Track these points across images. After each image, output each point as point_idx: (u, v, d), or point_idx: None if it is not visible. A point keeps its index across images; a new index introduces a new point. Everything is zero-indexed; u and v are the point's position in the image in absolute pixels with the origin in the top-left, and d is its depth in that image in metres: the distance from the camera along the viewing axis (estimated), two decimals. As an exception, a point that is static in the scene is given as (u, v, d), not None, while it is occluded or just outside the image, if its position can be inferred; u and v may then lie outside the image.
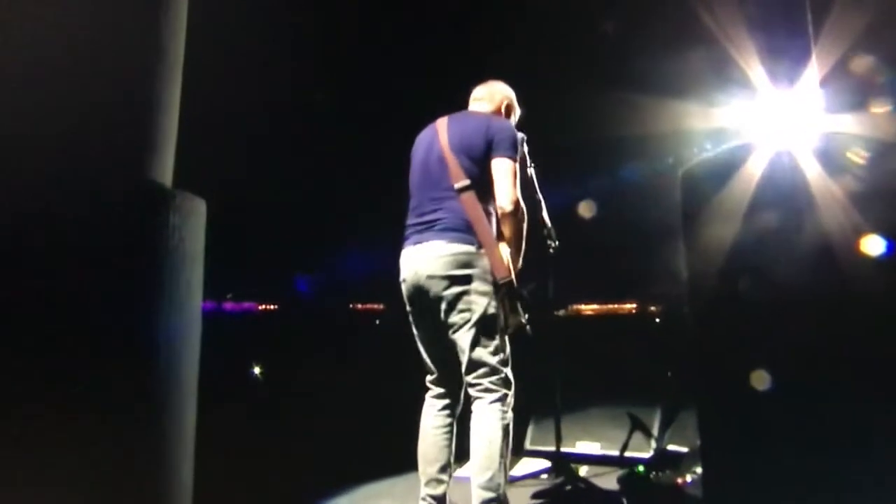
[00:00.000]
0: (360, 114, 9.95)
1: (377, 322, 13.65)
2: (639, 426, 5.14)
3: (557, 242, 4.00)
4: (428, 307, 3.26)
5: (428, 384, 3.44)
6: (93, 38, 1.98)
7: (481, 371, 3.19)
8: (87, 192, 1.90)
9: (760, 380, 3.03)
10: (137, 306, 1.99)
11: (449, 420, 3.33)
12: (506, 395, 3.15)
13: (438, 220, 3.34)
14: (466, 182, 3.29)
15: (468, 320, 3.24)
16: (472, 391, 3.25)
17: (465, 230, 3.26)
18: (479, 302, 3.20)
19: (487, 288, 3.22)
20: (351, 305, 14.73)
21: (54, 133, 1.92)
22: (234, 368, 9.03)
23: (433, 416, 3.35)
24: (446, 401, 3.37)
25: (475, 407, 3.22)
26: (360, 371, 8.55)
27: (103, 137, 2.01)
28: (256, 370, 9.85)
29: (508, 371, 3.24)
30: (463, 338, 3.21)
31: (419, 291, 3.29)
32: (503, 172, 3.22)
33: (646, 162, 9.85)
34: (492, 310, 3.19)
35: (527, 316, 3.20)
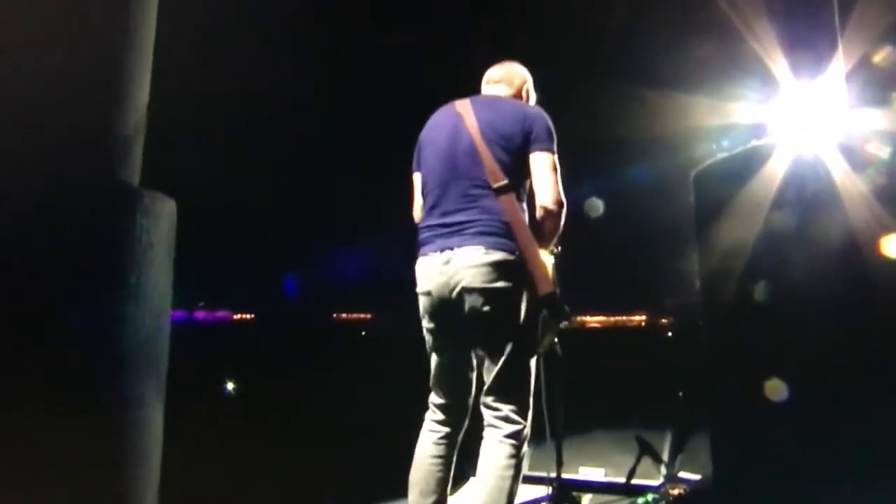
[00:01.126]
0: (350, 111, 9.96)
1: (363, 333, 13.63)
2: (647, 451, 5.14)
3: (560, 247, 3.95)
4: (457, 325, 3.06)
5: (431, 406, 3.28)
6: (60, 31, 1.99)
7: (505, 395, 3.05)
8: (44, 191, 1.90)
9: (779, 395, 3.04)
10: (101, 316, 2.00)
11: (449, 451, 3.17)
12: (523, 430, 2.99)
13: (471, 221, 3.14)
14: (505, 180, 3.11)
15: (508, 338, 3.09)
16: (487, 415, 3.08)
17: (504, 235, 3.06)
18: (518, 316, 3.06)
19: (529, 301, 3.07)
20: (334, 315, 14.71)
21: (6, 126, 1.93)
22: (205, 384, 9.00)
23: (432, 445, 3.19)
24: (448, 429, 3.19)
25: (488, 436, 3.05)
26: (344, 387, 8.54)
27: (65, 133, 2.02)
28: (230, 386, 9.83)
29: (529, 401, 3.08)
30: (496, 356, 3.06)
31: (447, 306, 3.08)
32: (546, 168, 3.03)
33: (657, 161, 9.89)
34: (530, 326, 3.04)
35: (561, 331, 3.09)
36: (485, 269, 2.94)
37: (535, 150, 3.03)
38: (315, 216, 12.29)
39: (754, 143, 3.50)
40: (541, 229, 3.00)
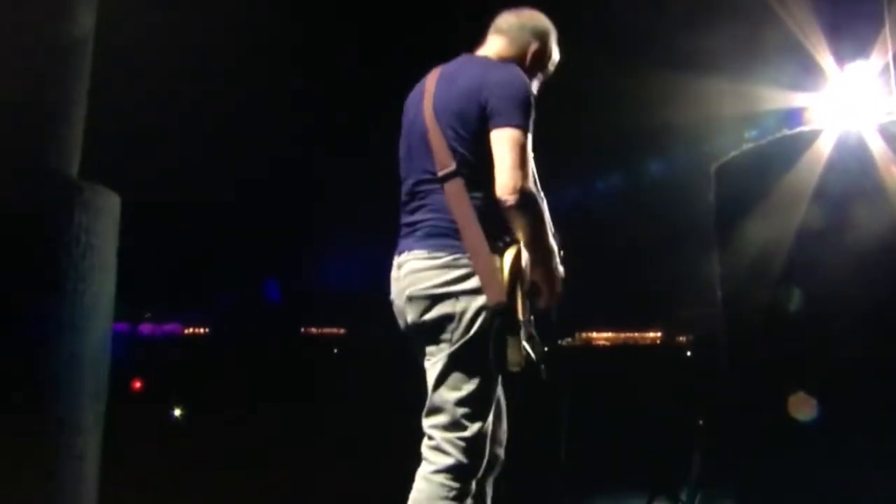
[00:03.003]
0: (322, 105, 10.03)
1: (335, 351, 13.57)
2: (662, 489, 5.15)
3: (563, 253, 3.90)
4: (416, 338, 3.09)
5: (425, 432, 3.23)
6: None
7: (438, 419, 2.99)
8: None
9: (804, 412, 3.05)
10: (32, 328, 1.98)
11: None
12: (461, 466, 2.85)
13: (421, 222, 3.11)
14: (451, 167, 3.04)
15: (445, 352, 3.05)
16: (423, 445, 3.06)
17: (452, 234, 3.04)
18: (462, 328, 3.00)
19: (478, 311, 3.00)
20: (303, 330, 14.63)
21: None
22: (149, 409, 8.96)
23: (424, 482, 3.16)
24: None
25: (419, 471, 3.03)
26: (311, 414, 8.52)
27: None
28: (177, 412, 9.78)
29: (477, 432, 2.97)
30: (431, 371, 3.05)
31: (402, 316, 3.12)
32: (503, 148, 2.84)
33: (673, 154, 9.94)
34: (480, 342, 2.98)
35: (536, 351, 2.98)
36: (425, 275, 2.93)
37: (492, 128, 2.89)
38: (283, 219, 12.28)
39: (785, 132, 3.52)
40: (511, 227, 2.94)
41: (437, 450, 2.88)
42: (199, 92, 8.84)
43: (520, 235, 2.91)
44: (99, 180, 2.24)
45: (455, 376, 2.88)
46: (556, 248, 3.08)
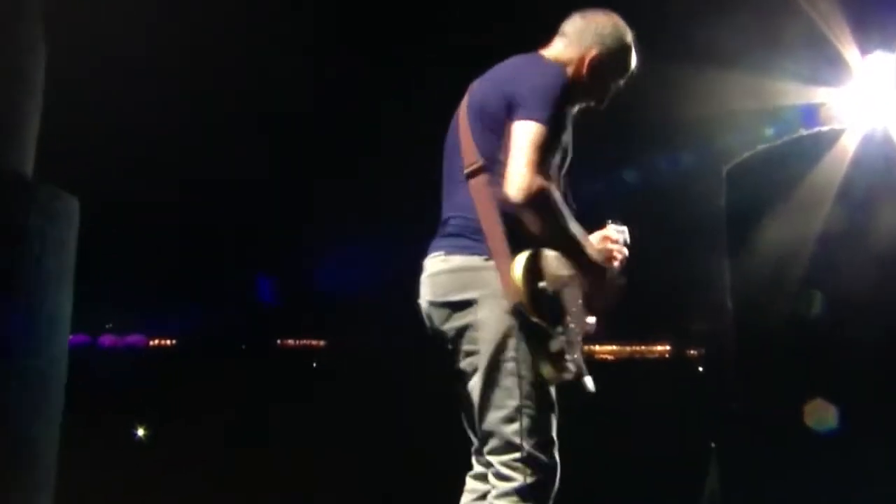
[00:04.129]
0: (302, 101, 10.12)
1: (314, 365, 13.52)
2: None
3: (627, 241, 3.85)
4: (444, 348, 3.09)
5: (472, 460, 3.24)
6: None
7: (491, 445, 3.00)
8: None
9: (822, 422, 3.06)
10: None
11: None
12: (529, 488, 2.85)
13: (446, 221, 3.17)
14: (477, 162, 3.06)
15: (475, 368, 3.04)
16: (489, 475, 3.05)
17: (471, 233, 3.04)
18: (488, 339, 2.98)
19: (502, 318, 2.98)
20: (278, 341, 14.59)
21: None
22: (110, 427, 8.94)
23: None
24: (487, 486, 3.15)
25: (489, 495, 3.03)
26: (287, 434, 8.51)
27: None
28: (140, 431, 9.76)
29: (534, 447, 2.96)
30: (473, 394, 3.04)
31: (427, 324, 3.14)
32: (518, 142, 2.80)
33: (683, 153, 9.97)
34: (510, 352, 2.96)
35: (573, 360, 2.91)
36: (441, 279, 2.95)
37: (514, 118, 2.90)
38: (256, 222, 12.28)
39: (802, 132, 3.55)
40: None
41: (499, 476, 2.89)
42: (160, 90, 8.99)
43: (535, 233, 2.90)
44: (56, 182, 2.24)
45: (497, 394, 2.86)
46: (582, 242, 3.04)
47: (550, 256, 2.90)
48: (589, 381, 2.94)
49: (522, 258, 2.81)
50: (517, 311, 2.75)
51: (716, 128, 8.38)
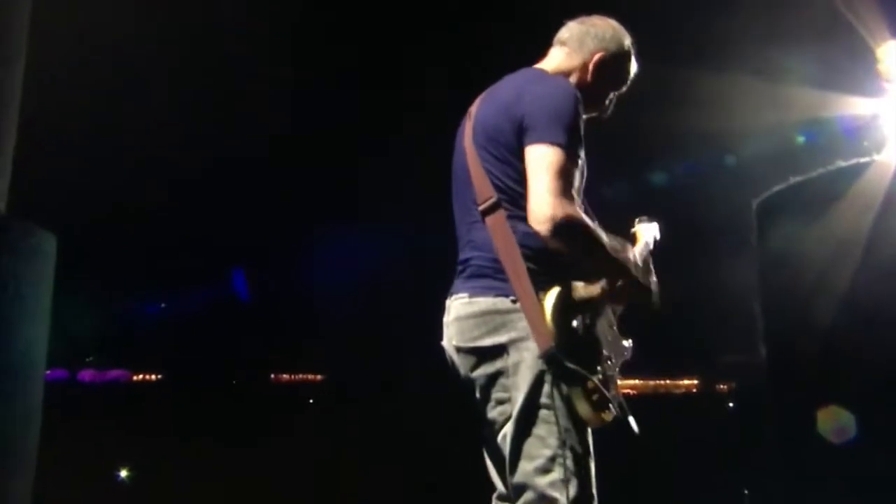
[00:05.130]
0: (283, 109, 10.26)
1: (311, 402, 13.48)
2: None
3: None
4: (473, 393, 3.06)
5: None
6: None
7: (525, 499, 2.96)
8: None
9: (839, 433, 3.03)
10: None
11: None
12: None
13: (467, 261, 3.13)
14: (492, 197, 3.02)
15: (507, 416, 3.00)
16: None
17: (495, 274, 3.01)
18: (521, 385, 2.94)
19: (535, 363, 2.93)
20: (272, 376, 14.55)
21: None
22: (91, 468, 8.92)
23: None
24: None
25: None
26: (283, 476, 8.48)
27: None
28: (123, 473, 9.72)
29: (572, 501, 2.90)
30: (504, 444, 3.00)
31: (453, 369, 3.11)
32: (536, 169, 2.76)
33: (716, 172, 9.96)
34: (544, 398, 2.91)
35: (612, 398, 2.86)
36: (467, 324, 2.92)
37: (527, 144, 2.87)
38: (245, 243, 12.31)
39: (840, 163, 3.53)
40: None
41: None
42: (133, 118, 9.39)
43: (577, 265, 2.86)
44: (32, 218, 2.23)
45: (530, 443, 2.82)
46: (626, 263, 2.99)
47: (579, 288, 2.88)
48: (633, 422, 2.91)
49: (552, 298, 2.77)
50: (551, 357, 2.71)
51: (745, 139, 8.38)
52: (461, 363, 3.00)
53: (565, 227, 2.75)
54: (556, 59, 3.32)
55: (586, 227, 2.85)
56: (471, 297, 2.96)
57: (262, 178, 11.50)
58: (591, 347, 2.90)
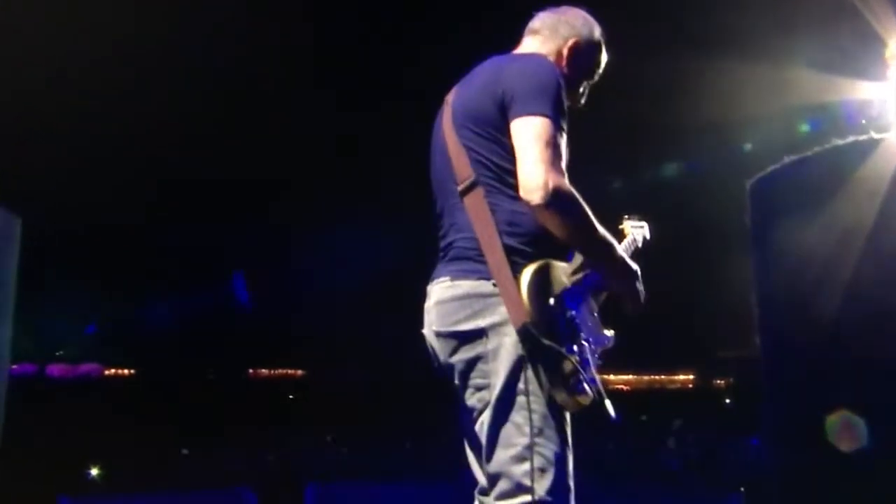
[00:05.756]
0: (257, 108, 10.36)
1: (291, 397, 13.45)
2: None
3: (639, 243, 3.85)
4: (452, 380, 3.07)
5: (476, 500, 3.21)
6: None
7: (500, 488, 2.97)
8: None
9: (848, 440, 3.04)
10: None
11: None
12: None
13: (449, 245, 3.16)
14: (470, 177, 3.05)
15: (486, 403, 3.02)
16: None
17: (475, 256, 3.04)
18: (500, 371, 2.95)
19: (515, 348, 2.94)
20: (250, 371, 14.52)
21: None
22: (60, 467, 8.91)
23: None
24: None
25: None
26: (259, 473, 8.51)
27: None
28: (94, 471, 9.73)
29: (548, 490, 2.91)
30: (481, 432, 3.01)
31: (433, 355, 3.12)
32: (526, 140, 2.79)
33: (713, 157, 9.98)
34: (522, 384, 2.92)
35: (596, 384, 2.87)
36: (447, 308, 2.92)
37: (512, 118, 2.91)
38: (221, 235, 12.32)
39: (836, 142, 3.54)
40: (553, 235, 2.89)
41: None
42: (102, 106, 9.32)
43: (566, 241, 2.88)
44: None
45: (506, 431, 2.81)
46: (614, 243, 3.00)
47: (559, 268, 2.90)
48: (609, 406, 2.91)
49: (528, 273, 2.78)
50: (525, 334, 2.72)
51: (748, 126, 8.41)
52: (440, 348, 3.01)
53: (557, 197, 2.79)
54: (530, 47, 3.37)
55: (578, 199, 2.87)
56: (452, 280, 2.97)
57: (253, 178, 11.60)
58: (569, 327, 2.91)
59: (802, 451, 3.50)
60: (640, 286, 3.19)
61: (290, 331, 13.39)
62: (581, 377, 2.84)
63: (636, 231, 3.53)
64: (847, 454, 3.22)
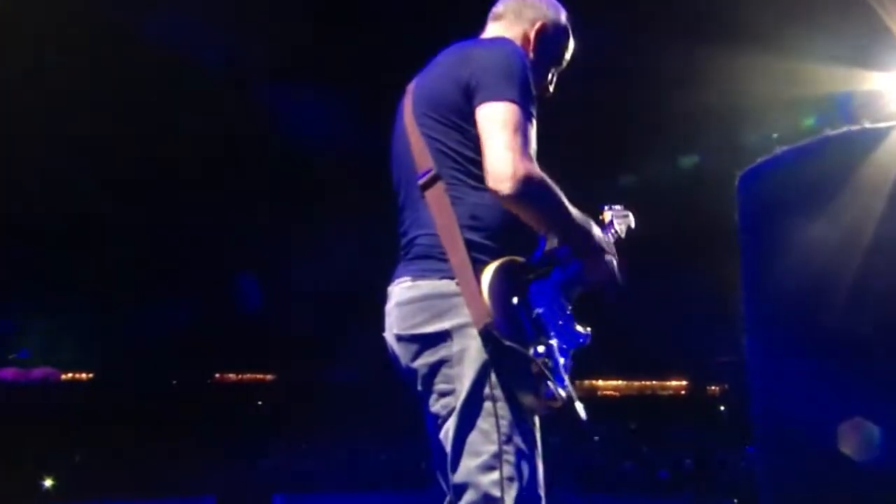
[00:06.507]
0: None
1: (259, 404, 13.36)
2: None
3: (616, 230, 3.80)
4: (415, 386, 3.03)
5: None
6: None
7: (467, 500, 2.92)
8: None
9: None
10: None
11: None
12: None
13: (412, 240, 3.09)
14: (431, 169, 2.99)
15: (451, 410, 2.95)
16: None
17: (437, 254, 2.97)
18: (465, 375, 2.88)
19: (480, 351, 2.88)
20: (217, 375, 14.43)
21: None
22: (15, 477, 8.84)
23: None
24: None
25: None
26: (225, 487, 8.45)
27: None
28: (48, 482, 9.66)
29: (516, 501, 2.85)
30: (446, 440, 2.95)
31: (394, 359, 3.08)
32: (491, 127, 2.72)
33: (711, 151, 9.98)
34: (488, 389, 2.85)
35: (566, 385, 2.80)
36: (408, 310, 2.85)
37: (478, 105, 2.75)
38: (192, 234, 12.29)
39: (828, 132, 3.52)
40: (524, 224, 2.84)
41: None
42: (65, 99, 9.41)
43: (539, 228, 2.82)
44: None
45: (473, 438, 2.73)
46: (590, 229, 2.94)
47: (524, 264, 2.84)
48: (580, 408, 2.85)
49: (490, 271, 2.71)
50: (487, 335, 2.67)
51: (747, 117, 8.41)
52: (401, 353, 2.95)
53: (527, 185, 2.70)
54: (494, 32, 3.33)
55: (550, 185, 2.81)
56: (413, 279, 2.91)
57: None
58: (536, 326, 2.86)
59: (794, 458, 3.49)
60: (618, 273, 3.14)
61: (260, 334, 13.36)
62: (549, 379, 2.78)
63: (619, 220, 3.49)
64: (843, 460, 3.21)
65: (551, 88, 3.33)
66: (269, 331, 13.26)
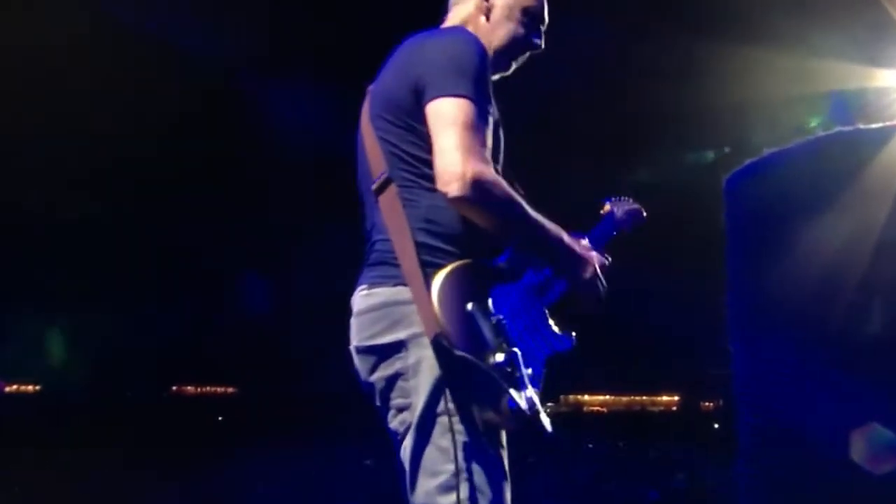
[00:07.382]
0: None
1: (220, 419, 13.38)
2: None
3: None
4: (376, 400, 3.02)
5: None
6: None
7: None
8: None
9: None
10: None
11: None
12: None
13: (372, 245, 3.13)
14: (384, 172, 3.02)
15: (408, 426, 2.95)
16: None
17: (392, 261, 2.99)
18: (421, 389, 2.90)
19: (436, 362, 2.88)
20: (174, 388, 14.43)
21: None
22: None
23: None
24: None
25: None
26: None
27: None
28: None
29: None
30: (405, 458, 2.95)
31: (356, 375, 3.07)
32: (438, 125, 2.79)
33: (697, 150, 10.04)
34: (445, 403, 2.86)
35: (529, 397, 2.78)
36: (366, 319, 2.89)
37: (426, 102, 2.88)
38: (154, 240, 12.35)
39: (819, 133, 3.55)
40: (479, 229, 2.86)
41: None
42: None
43: (495, 233, 2.82)
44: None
45: (430, 456, 2.74)
46: (552, 229, 2.95)
47: (484, 268, 2.84)
48: (546, 421, 2.84)
49: (440, 276, 2.70)
50: (437, 346, 2.66)
51: (750, 116, 8.48)
52: (360, 366, 2.97)
53: (477, 187, 2.75)
54: (452, 15, 3.36)
55: (502, 185, 2.82)
56: (370, 287, 2.94)
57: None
58: (495, 334, 2.85)
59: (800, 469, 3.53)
60: (597, 280, 3.12)
61: (219, 346, 13.42)
62: (508, 391, 2.76)
63: (619, 207, 3.47)
64: (854, 469, 3.23)
65: (541, 43, 3.38)
66: (231, 344, 13.37)
